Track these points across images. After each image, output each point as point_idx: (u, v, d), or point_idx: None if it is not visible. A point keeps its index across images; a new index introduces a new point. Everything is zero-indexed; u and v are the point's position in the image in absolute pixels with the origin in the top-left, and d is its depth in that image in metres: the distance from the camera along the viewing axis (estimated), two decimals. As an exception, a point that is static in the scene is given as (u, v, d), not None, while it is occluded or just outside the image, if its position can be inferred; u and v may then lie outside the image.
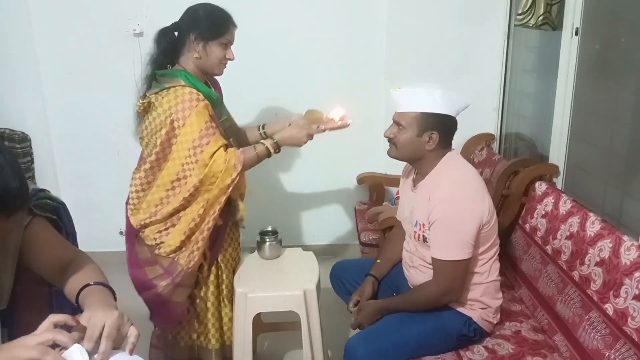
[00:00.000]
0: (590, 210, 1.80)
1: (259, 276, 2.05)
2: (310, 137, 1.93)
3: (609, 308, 1.52)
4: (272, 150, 1.87)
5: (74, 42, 2.89)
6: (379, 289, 1.93)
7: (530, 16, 2.40)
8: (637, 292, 1.44)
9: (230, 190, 1.82)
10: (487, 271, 1.74)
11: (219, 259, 1.98)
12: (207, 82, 1.93)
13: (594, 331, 1.55)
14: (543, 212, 2.03)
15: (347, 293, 1.98)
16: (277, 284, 2.01)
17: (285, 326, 2.30)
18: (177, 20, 1.86)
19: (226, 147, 1.80)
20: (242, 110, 2.29)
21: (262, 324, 2.31)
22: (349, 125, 1.97)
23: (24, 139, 2.93)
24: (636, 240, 1.54)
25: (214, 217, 1.83)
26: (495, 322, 1.80)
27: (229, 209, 1.96)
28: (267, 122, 2.17)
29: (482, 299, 1.74)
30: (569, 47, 2.23)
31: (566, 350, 1.66)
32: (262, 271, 2.10)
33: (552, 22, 2.36)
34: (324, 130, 1.95)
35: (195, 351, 2.05)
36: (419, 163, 1.76)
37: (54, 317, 0.91)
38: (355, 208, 3.04)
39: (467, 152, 2.88)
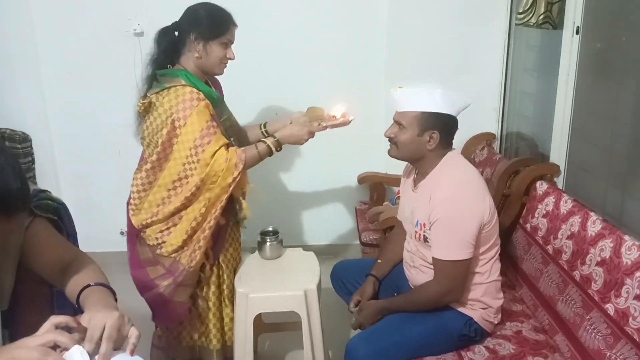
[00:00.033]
0: (591, 209, 1.80)
1: (259, 276, 2.05)
2: (311, 134, 1.92)
3: (610, 308, 1.52)
4: (273, 149, 1.86)
5: (75, 42, 2.89)
6: (380, 289, 1.93)
7: (530, 15, 2.39)
8: (638, 292, 1.44)
9: (231, 189, 1.82)
10: (488, 271, 1.74)
11: (220, 259, 1.98)
12: (207, 81, 1.93)
13: (595, 331, 1.55)
14: (544, 212, 2.03)
15: (347, 293, 1.98)
16: (278, 284, 2.01)
17: (286, 326, 2.30)
18: (177, 19, 1.86)
19: (227, 146, 1.80)
20: (242, 110, 2.28)
21: (263, 324, 2.31)
22: (350, 121, 1.96)
23: (25, 139, 2.93)
24: (637, 240, 1.53)
25: (215, 216, 1.83)
26: (496, 322, 1.80)
27: (231, 207, 1.96)
28: (269, 120, 2.17)
29: (483, 299, 1.74)
30: (570, 46, 2.23)
31: (567, 350, 1.66)
32: (263, 271, 2.10)
33: (553, 21, 2.35)
34: (325, 128, 1.94)
35: (196, 351, 2.05)
36: (420, 163, 1.76)
37: (55, 319, 0.91)
38: (355, 208, 3.04)
39: (468, 151, 2.88)
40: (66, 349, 0.88)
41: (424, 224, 1.70)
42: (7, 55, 2.88)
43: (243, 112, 2.32)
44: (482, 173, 2.53)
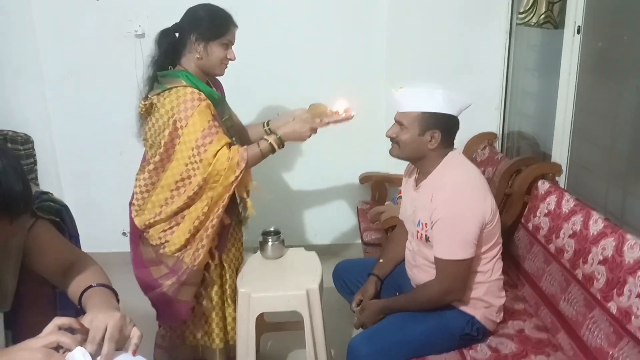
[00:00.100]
0: (593, 208, 1.80)
1: (261, 276, 2.05)
2: (313, 131, 1.92)
3: (612, 306, 1.52)
4: (275, 146, 1.86)
5: (76, 44, 2.90)
6: (382, 288, 1.93)
7: (531, 15, 2.39)
8: (640, 291, 1.44)
9: (233, 187, 1.82)
10: (490, 270, 1.74)
11: (223, 259, 1.98)
12: (208, 82, 1.93)
13: (597, 329, 1.55)
14: (546, 211, 2.03)
15: (349, 293, 1.98)
16: (280, 284, 2.01)
17: (288, 326, 2.31)
18: (177, 21, 1.86)
19: (229, 145, 1.81)
20: (244, 109, 2.29)
21: (265, 324, 2.31)
22: (352, 117, 1.95)
23: (27, 140, 2.93)
24: (639, 239, 1.53)
25: (218, 215, 1.84)
26: (498, 321, 1.79)
27: (234, 207, 1.97)
28: (272, 119, 2.17)
29: (485, 298, 1.73)
30: (571, 45, 2.23)
31: (570, 348, 1.66)
32: (265, 271, 2.10)
33: (554, 21, 2.35)
34: (327, 124, 1.94)
35: (199, 351, 2.05)
36: (421, 162, 1.76)
37: (58, 320, 0.91)
38: (357, 207, 3.04)
39: (470, 151, 2.88)
40: (69, 350, 0.88)
41: (426, 224, 1.70)
42: (9, 57, 2.89)
43: (245, 112, 2.32)
44: (483, 172, 2.54)
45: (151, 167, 1.84)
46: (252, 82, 2.82)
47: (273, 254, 2.17)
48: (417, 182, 1.80)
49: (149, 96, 1.82)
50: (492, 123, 2.98)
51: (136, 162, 1.95)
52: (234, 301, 2.01)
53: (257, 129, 2.14)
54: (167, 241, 1.86)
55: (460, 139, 1.93)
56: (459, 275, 1.66)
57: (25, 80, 2.94)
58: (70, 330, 0.93)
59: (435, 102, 1.67)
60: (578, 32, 2.20)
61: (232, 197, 1.94)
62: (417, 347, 1.69)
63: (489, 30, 2.87)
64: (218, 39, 1.82)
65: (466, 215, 1.63)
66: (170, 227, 1.86)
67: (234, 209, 2.01)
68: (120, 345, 0.95)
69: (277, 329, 2.36)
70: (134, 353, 0.95)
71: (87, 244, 1.46)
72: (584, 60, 2.20)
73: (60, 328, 0.91)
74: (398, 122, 1.73)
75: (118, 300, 1.11)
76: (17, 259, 1.16)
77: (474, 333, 1.72)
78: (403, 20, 2.87)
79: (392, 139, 1.76)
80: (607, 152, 2.13)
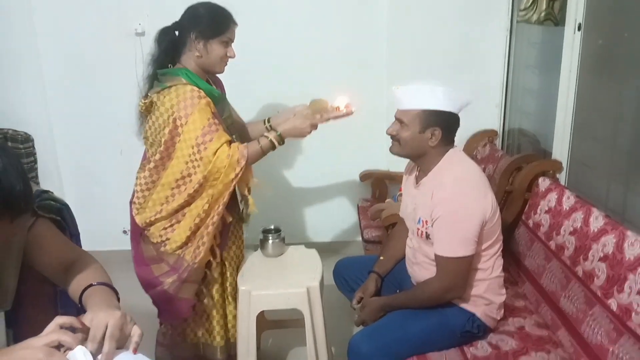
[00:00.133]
0: (593, 205, 1.80)
1: (262, 274, 2.06)
2: (314, 127, 1.91)
3: (612, 303, 1.52)
4: (276, 143, 1.86)
5: (76, 43, 2.90)
6: (382, 286, 1.93)
7: (532, 12, 2.39)
8: (640, 288, 1.44)
9: (233, 185, 1.82)
10: (491, 267, 1.74)
11: (224, 257, 1.98)
12: (208, 80, 1.93)
13: (597, 326, 1.55)
14: (546, 208, 2.03)
15: (350, 290, 1.99)
16: (281, 282, 2.01)
17: (289, 323, 2.31)
18: (177, 19, 1.86)
19: (229, 143, 1.81)
20: (245, 107, 2.28)
21: (266, 321, 2.32)
22: (353, 112, 1.95)
23: (27, 139, 2.93)
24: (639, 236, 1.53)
25: (218, 212, 1.84)
26: (498, 318, 1.80)
27: (235, 205, 1.97)
28: (272, 116, 2.16)
29: (485, 295, 1.74)
30: (572, 42, 2.22)
31: (570, 345, 1.66)
32: (266, 269, 2.10)
33: (555, 18, 2.35)
34: (327, 120, 1.93)
35: (200, 348, 2.06)
36: (422, 160, 1.76)
37: (59, 319, 0.92)
38: (358, 205, 3.05)
39: (470, 148, 2.87)
40: (70, 349, 0.89)
41: (426, 221, 1.70)
42: (10, 56, 2.88)
43: (246, 109, 2.32)
44: (484, 170, 2.53)
45: (152, 165, 1.84)
46: (252, 79, 2.82)
47: (273, 251, 2.17)
48: (418, 179, 1.80)
49: (149, 94, 1.82)
50: (492, 120, 2.98)
51: (136, 160, 1.95)
52: (235, 299, 2.02)
53: (258, 126, 2.14)
54: (167, 239, 1.86)
55: (461, 136, 1.93)
56: (459, 272, 1.66)
57: (25, 78, 2.94)
58: (72, 329, 0.93)
59: (436, 100, 1.66)
60: (579, 29, 2.19)
61: (233, 195, 1.95)
62: (418, 345, 1.69)
63: (490, 27, 2.87)
64: (218, 37, 1.82)
65: (467, 213, 1.63)
66: (171, 225, 1.86)
67: (235, 206, 2.01)
68: (121, 343, 0.95)
69: (277, 326, 2.37)
70: (135, 351, 0.95)
71: (88, 242, 1.46)
72: (585, 58, 2.20)
73: (61, 327, 0.91)
74: (398, 119, 1.73)
75: (118, 299, 1.11)
76: (18, 257, 1.16)
77: (475, 330, 1.72)
78: (403, 18, 2.86)
79: (392, 137, 1.76)
80: (608, 149, 2.13)
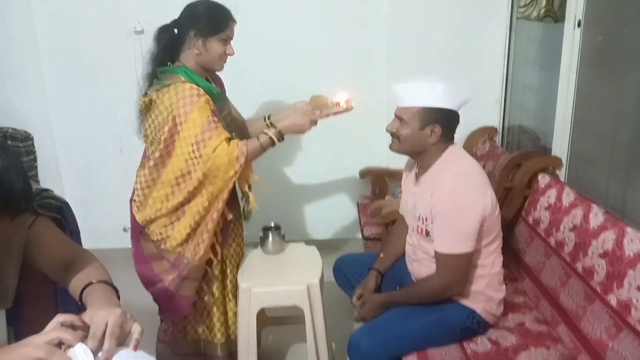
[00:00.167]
0: (593, 202, 1.80)
1: (262, 271, 2.06)
2: (313, 123, 1.91)
3: (612, 299, 1.52)
4: (275, 139, 1.85)
5: (76, 41, 2.90)
6: (382, 282, 1.94)
7: (532, 8, 2.39)
8: (640, 284, 1.44)
9: (233, 182, 1.82)
10: (491, 264, 1.74)
11: (224, 255, 1.99)
12: (208, 77, 1.93)
13: (597, 322, 1.55)
14: (546, 205, 2.03)
15: (350, 287, 1.99)
16: (281, 279, 2.02)
17: (289, 320, 2.31)
18: (177, 17, 1.86)
19: (229, 140, 1.81)
20: (244, 104, 2.28)
21: (267, 318, 2.32)
22: (353, 108, 1.94)
23: (27, 137, 2.94)
24: (639, 232, 1.53)
25: (218, 209, 1.84)
26: (498, 314, 1.80)
27: (235, 202, 1.97)
28: (273, 112, 2.16)
29: (485, 292, 1.74)
30: (572, 39, 2.22)
31: (570, 341, 1.67)
32: (266, 266, 2.10)
33: (555, 14, 2.35)
34: (327, 116, 1.93)
35: (201, 345, 2.06)
36: (422, 157, 1.76)
37: (60, 317, 0.92)
38: (357, 202, 3.05)
39: (470, 145, 2.87)
40: (71, 346, 0.89)
41: (426, 218, 1.71)
42: (9, 54, 2.88)
43: (246, 107, 2.32)
44: (484, 166, 2.53)
45: (151, 163, 1.84)
46: (253, 76, 2.82)
47: (274, 249, 2.18)
48: (418, 176, 1.81)
49: (148, 93, 1.82)
50: (492, 117, 2.98)
51: (136, 158, 1.95)
52: (235, 296, 2.02)
53: (259, 123, 2.13)
54: (168, 236, 1.87)
55: (461, 133, 1.93)
56: (459, 269, 1.67)
57: (25, 77, 2.94)
58: (72, 326, 0.93)
59: (436, 97, 1.67)
60: (578, 25, 2.19)
61: (233, 193, 1.95)
62: (418, 341, 1.69)
63: (490, 24, 2.86)
64: (217, 35, 1.82)
65: (466, 210, 1.63)
66: (171, 223, 1.86)
67: (235, 204, 2.01)
68: (121, 341, 0.95)
69: (278, 323, 2.37)
70: (135, 348, 0.95)
71: (88, 240, 1.47)
72: (585, 54, 2.19)
73: (62, 324, 0.91)
74: (398, 117, 1.73)
75: (119, 297, 1.11)
76: (18, 256, 1.17)
77: (475, 326, 1.73)
78: (403, 15, 2.86)
79: (392, 134, 1.76)
80: (608, 146, 2.13)
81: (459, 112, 1.72)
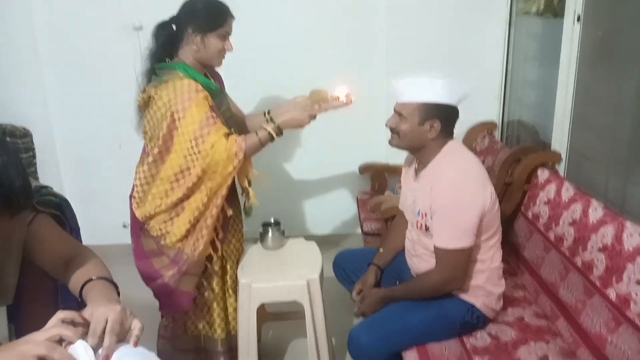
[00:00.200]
0: (592, 196, 1.80)
1: (262, 267, 2.06)
2: (312, 117, 1.89)
3: (611, 293, 1.53)
4: (274, 134, 1.84)
5: (75, 37, 2.89)
6: (382, 277, 1.94)
7: (532, 4, 2.38)
8: (639, 277, 1.44)
9: (231, 177, 1.82)
10: (490, 258, 1.74)
11: (224, 250, 1.99)
12: (206, 73, 1.93)
13: (596, 316, 1.56)
14: (545, 200, 2.03)
15: (350, 282, 1.99)
16: (281, 275, 2.02)
17: (289, 315, 2.32)
18: (175, 13, 1.85)
19: (227, 136, 1.80)
20: (244, 99, 2.27)
21: (267, 314, 2.33)
22: (352, 102, 1.93)
23: (26, 134, 2.93)
24: (638, 226, 1.54)
25: (217, 205, 1.84)
26: (498, 309, 1.81)
27: (235, 198, 1.97)
28: (273, 107, 2.15)
29: (484, 286, 1.74)
30: (571, 34, 2.22)
31: (569, 335, 1.67)
32: (266, 262, 2.11)
33: (554, 10, 2.34)
34: (326, 110, 1.91)
35: (201, 340, 2.07)
36: (421, 152, 1.76)
37: (61, 314, 0.92)
38: (357, 197, 3.05)
39: (469, 140, 2.87)
40: (71, 343, 0.89)
41: (426, 213, 1.71)
42: (8, 51, 2.87)
43: (246, 102, 2.32)
44: (483, 162, 2.54)
45: (150, 159, 1.84)
46: (252, 72, 2.81)
47: (273, 244, 2.18)
48: (417, 172, 1.81)
49: (147, 89, 1.81)
50: (491, 112, 2.98)
51: (135, 155, 1.95)
52: (235, 292, 2.03)
53: (259, 118, 2.13)
54: (167, 232, 1.87)
55: (460, 128, 1.92)
56: (459, 264, 1.67)
57: (23, 73, 2.93)
58: (73, 323, 0.93)
59: (435, 92, 1.66)
60: (578, 20, 2.18)
61: (233, 188, 1.95)
62: (418, 336, 1.70)
63: (489, 19, 2.86)
64: (215, 31, 1.81)
65: (466, 205, 1.63)
66: (171, 218, 1.87)
67: (235, 200, 2.01)
68: (122, 337, 0.95)
69: (278, 318, 2.38)
70: (136, 345, 0.95)
71: (88, 237, 1.47)
72: (584, 49, 2.19)
73: (63, 321, 0.91)
74: (398, 112, 1.73)
75: (118, 293, 1.11)
76: (18, 253, 1.17)
77: (474, 321, 1.73)
78: (402, 10, 2.85)
79: (391, 129, 1.76)
80: (607, 141, 2.13)
81: (459, 107, 1.71)
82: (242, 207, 2.05)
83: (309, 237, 2.30)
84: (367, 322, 1.73)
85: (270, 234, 2.17)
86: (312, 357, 2.00)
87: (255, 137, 1.83)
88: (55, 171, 3.08)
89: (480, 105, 2.85)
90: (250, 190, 1.93)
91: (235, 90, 2.14)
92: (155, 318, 2.09)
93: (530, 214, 2.12)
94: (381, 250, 1.99)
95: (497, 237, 1.76)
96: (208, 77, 1.93)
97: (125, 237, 2.07)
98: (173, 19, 1.85)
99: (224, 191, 1.83)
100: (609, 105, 2.10)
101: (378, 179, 3.03)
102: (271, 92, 2.87)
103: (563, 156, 2.31)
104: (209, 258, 1.93)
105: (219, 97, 1.94)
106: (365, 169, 3.06)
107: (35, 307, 1.28)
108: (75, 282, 1.13)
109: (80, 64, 2.93)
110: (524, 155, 2.35)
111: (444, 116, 1.69)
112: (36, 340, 0.87)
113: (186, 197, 1.84)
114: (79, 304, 1.09)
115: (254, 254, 2.15)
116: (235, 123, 2.03)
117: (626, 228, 1.55)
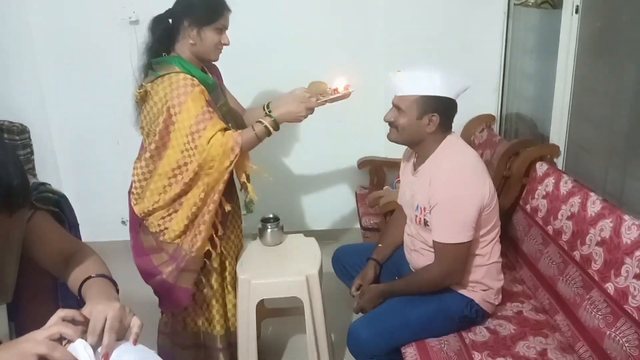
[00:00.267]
0: (591, 190, 1.80)
1: (261, 263, 2.06)
2: (310, 110, 1.87)
3: (609, 287, 1.53)
4: (270, 128, 1.82)
5: (71, 32, 2.88)
6: (381, 272, 1.94)
7: (530, -5, 2.37)
8: (637, 271, 1.45)
9: (228, 173, 1.81)
10: (489, 253, 1.75)
11: (222, 247, 1.99)
12: (203, 68, 1.92)
13: (595, 310, 1.56)
14: (544, 193, 2.03)
15: (349, 277, 2.00)
16: (280, 270, 2.02)
17: (288, 311, 2.32)
18: (171, 7, 1.84)
19: (224, 130, 1.79)
20: (242, 93, 2.27)
21: (266, 310, 2.33)
22: (350, 94, 1.91)
23: (23, 130, 2.92)
24: (637, 220, 1.54)
25: (214, 201, 1.83)
26: (496, 303, 1.81)
27: (233, 193, 1.97)
28: (272, 101, 2.14)
29: (483, 281, 1.75)
30: (569, 25, 2.21)
31: (567, 329, 1.68)
32: (265, 258, 2.11)
33: (552, 1, 2.33)
34: (324, 103, 1.89)
35: (200, 337, 2.07)
36: (419, 146, 1.75)
37: (61, 312, 0.92)
38: (356, 192, 3.05)
39: (468, 133, 2.87)
40: (72, 341, 0.89)
41: (424, 208, 1.71)
42: (4, 47, 2.86)
43: (244, 97, 2.31)
44: (481, 155, 2.53)
45: (148, 155, 1.83)
46: (251, 65, 2.80)
47: (272, 240, 2.18)
48: (416, 166, 1.80)
49: (143, 84, 1.80)
50: (490, 105, 2.97)
51: (134, 150, 1.95)
52: (234, 288, 2.03)
53: (258, 111, 2.11)
54: (166, 228, 1.87)
55: (459, 121, 1.92)
56: (458, 258, 1.67)
57: (20, 69, 2.92)
58: (74, 321, 0.93)
59: (434, 86, 1.65)
60: (576, 12, 2.18)
61: (231, 184, 1.94)
62: (417, 330, 1.70)
63: (487, 11, 2.84)
64: (211, 24, 1.80)
65: (464, 199, 1.63)
66: (169, 214, 1.86)
67: (233, 195, 2.01)
68: (121, 335, 0.95)
69: (277, 314, 2.38)
70: (135, 342, 0.95)
71: (87, 233, 1.46)
72: (583, 41, 2.18)
73: (63, 319, 0.91)
74: (396, 106, 1.72)
75: (117, 291, 1.11)
76: (17, 250, 1.16)
77: (473, 315, 1.74)
78: (401, 3, 2.84)
79: (390, 124, 1.75)
80: (605, 133, 2.12)
81: (457, 100, 1.71)
82: (243, 202, 2.04)
83: (308, 233, 2.30)
84: (367, 318, 1.73)
85: (269, 230, 2.17)
86: (311, 353, 2.00)
87: (252, 132, 1.81)
88: (53, 168, 3.08)
89: (479, 98, 2.84)
90: (249, 185, 1.92)
91: (235, 84, 2.13)
92: (155, 314, 2.10)
93: (528, 208, 2.12)
94: (380, 245, 1.99)
95: (496, 232, 1.76)
96: (205, 71, 1.92)
97: (124, 234, 2.07)
98: (169, 13, 1.84)
99: (220, 186, 1.82)
100: (607, 98, 2.09)
101: (377, 174, 3.03)
102: (270, 85, 2.86)
103: (562, 149, 2.31)
104: (208, 254, 1.92)
105: (216, 92, 1.93)
106: (363, 164, 3.05)
107: (35, 305, 1.28)
108: (74, 279, 1.13)
109: (77, 59, 2.91)
110: (523, 149, 2.35)
111: (443, 110, 1.68)
112: (36, 339, 0.86)
113: (184, 192, 1.83)
114: (78, 302, 1.08)
115: (253, 250, 2.15)
116: (233, 118, 2.02)
117: (624, 221, 1.55)
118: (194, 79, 1.77)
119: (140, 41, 1.89)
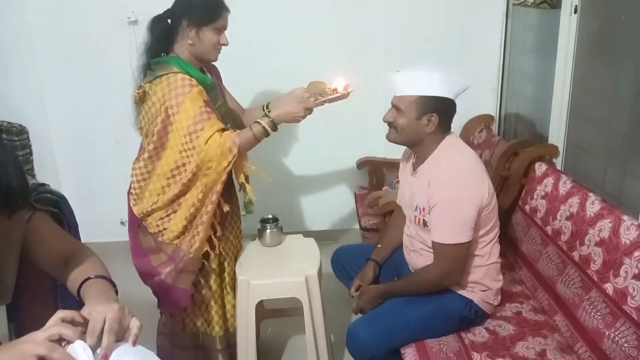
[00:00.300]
0: (590, 190, 1.80)
1: (260, 263, 2.06)
2: (308, 110, 1.86)
3: (608, 288, 1.53)
4: (268, 129, 1.81)
5: (70, 32, 2.88)
6: (380, 273, 1.94)
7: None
8: (636, 272, 1.45)
9: (226, 173, 1.81)
10: (488, 253, 1.75)
11: (221, 247, 1.98)
12: (202, 68, 1.92)
13: (594, 311, 1.56)
14: (543, 193, 2.03)
15: (348, 278, 1.99)
16: (279, 271, 2.02)
17: (288, 312, 2.32)
18: (170, 7, 1.84)
19: (222, 131, 1.79)
20: (242, 93, 2.27)
21: (265, 310, 2.33)
22: (349, 94, 1.91)
23: (22, 131, 2.91)
24: (636, 220, 1.54)
25: (212, 201, 1.83)
26: (496, 304, 1.81)
27: (231, 194, 1.97)
28: (272, 101, 2.14)
29: (482, 281, 1.75)
30: (568, 25, 2.21)
31: (567, 330, 1.68)
32: (264, 258, 2.11)
33: (551, 1, 2.33)
34: (323, 103, 1.89)
35: (199, 337, 2.07)
36: (419, 147, 1.75)
37: (61, 313, 0.91)
38: (355, 193, 3.05)
39: (467, 134, 2.87)
40: (71, 342, 0.89)
41: (424, 208, 1.71)
42: (3, 47, 2.86)
43: (243, 97, 2.31)
44: (480, 155, 2.53)
45: (146, 155, 1.83)
46: (250, 65, 2.80)
47: (271, 241, 2.18)
48: (415, 166, 1.80)
49: (142, 84, 1.80)
50: (489, 105, 2.97)
51: (133, 151, 1.95)
52: (233, 289, 2.03)
53: (257, 112, 2.11)
54: (165, 229, 1.87)
55: (457, 121, 1.92)
56: (457, 258, 1.67)
57: (19, 70, 2.91)
58: (73, 322, 0.93)
59: (433, 86, 1.65)
60: (575, 12, 2.18)
61: (230, 184, 1.94)
62: (416, 331, 1.70)
63: (486, 11, 2.84)
64: (210, 24, 1.80)
65: (464, 199, 1.63)
66: (168, 215, 1.86)
67: (232, 196, 2.01)
68: (120, 336, 0.95)
69: (276, 315, 2.38)
70: (134, 343, 0.95)
71: (86, 234, 1.46)
72: (581, 41, 2.18)
73: (63, 320, 0.91)
74: (395, 106, 1.72)
75: (117, 292, 1.11)
76: (17, 251, 1.16)
77: (472, 316, 1.74)
78: (400, 3, 2.84)
79: (389, 124, 1.75)
80: (604, 133, 2.13)
81: (456, 100, 1.71)
82: (242, 203, 2.04)
83: (307, 233, 2.29)
84: (366, 318, 1.73)
85: (268, 231, 2.17)
86: (311, 354, 2.00)
87: (250, 132, 1.81)
88: (52, 168, 3.07)
89: (478, 98, 2.84)
90: (248, 186, 1.92)
91: (234, 84, 2.13)
92: (154, 315, 2.09)
93: (527, 208, 2.12)
94: (379, 245, 1.99)
95: (495, 232, 1.76)
96: (204, 71, 1.92)
97: (123, 234, 2.07)
98: (168, 13, 1.84)
99: (218, 187, 1.82)
100: (606, 98, 2.10)
101: (376, 174, 3.03)
102: (270, 85, 2.86)
103: (560, 149, 2.31)
104: (206, 255, 1.92)
105: (214, 92, 1.93)
106: (363, 164, 3.05)
107: (34, 306, 1.28)
108: (73, 280, 1.13)
109: (76, 59, 2.91)
110: (522, 149, 2.34)
111: (442, 110, 1.68)
112: (36, 340, 0.86)
113: (182, 193, 1.83)
114: (78, 303, 1.08)
115: (252, 250, 2.15)
116: (231, 118, 2.02)
117: (623, 222, 1.55)
118: (192, 79, 1.77)
119: (140, 41, 1.89)
